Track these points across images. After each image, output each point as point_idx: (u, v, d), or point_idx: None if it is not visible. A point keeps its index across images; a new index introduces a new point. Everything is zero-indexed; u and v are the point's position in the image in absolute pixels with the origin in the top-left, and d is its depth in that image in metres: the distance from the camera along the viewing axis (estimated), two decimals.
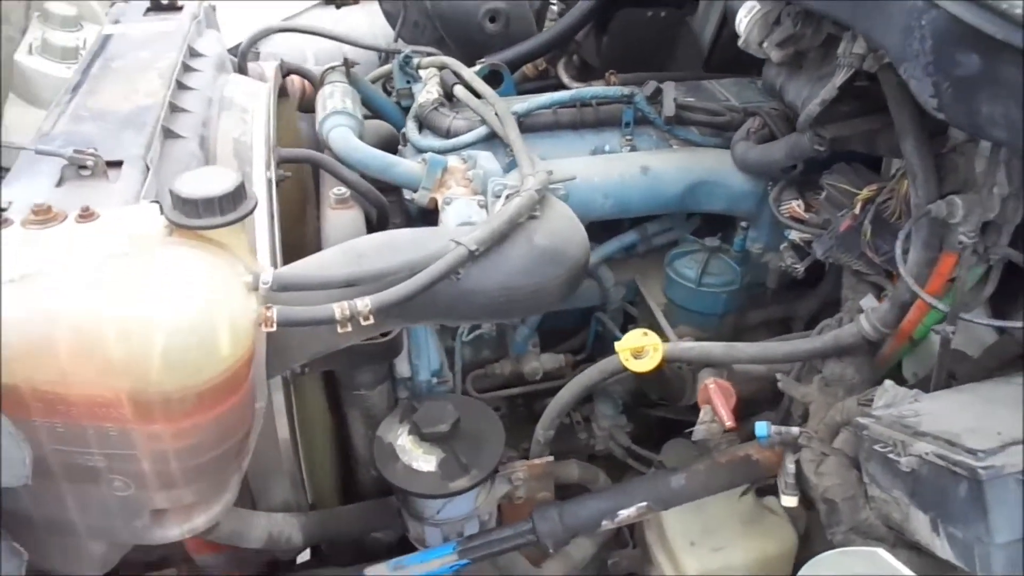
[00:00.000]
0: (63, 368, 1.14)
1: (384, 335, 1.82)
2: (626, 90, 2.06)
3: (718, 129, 2.08)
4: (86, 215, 1.31)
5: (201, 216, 1.24)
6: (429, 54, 2.30)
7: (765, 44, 1.66)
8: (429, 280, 1.36)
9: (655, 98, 2.05)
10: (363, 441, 1.91)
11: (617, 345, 1.56)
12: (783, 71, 1.72)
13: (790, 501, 1.49)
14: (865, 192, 1.64)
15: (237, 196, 1.26)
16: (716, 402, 1.53)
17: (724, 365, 1.74)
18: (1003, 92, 1.04)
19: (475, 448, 1.75)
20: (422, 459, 1.72)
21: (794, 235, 1.90)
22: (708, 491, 1.67)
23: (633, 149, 2.08)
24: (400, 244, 1.46)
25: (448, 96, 2.14)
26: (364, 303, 1.30)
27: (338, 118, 1.92)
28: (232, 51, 2.44)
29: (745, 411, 1.95)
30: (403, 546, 1.91)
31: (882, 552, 1.16)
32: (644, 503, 1.66)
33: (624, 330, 2.20)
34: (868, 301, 1.65)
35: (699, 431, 1.57)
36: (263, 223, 1.72)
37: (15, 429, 1.11)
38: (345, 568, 1.83)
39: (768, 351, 1.69)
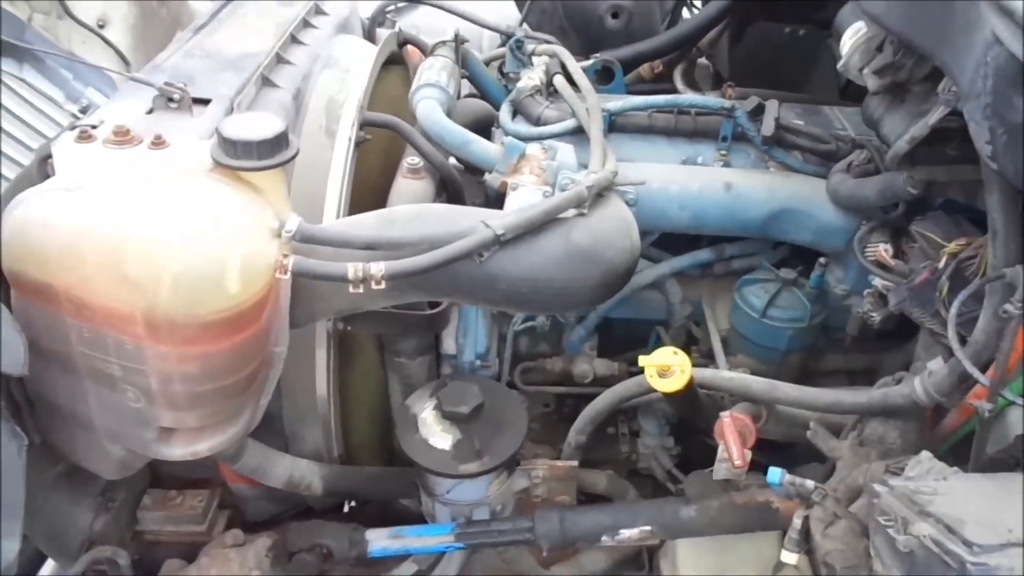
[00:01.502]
0: (88, 276, 1.23)
1: (432, 307, 1.85)
2: (727, 103, 1.97)
3: (821, 157, 1.95)
4: (158, 143, 1.40)
5: (239, 157, 1.30)
6: (545, 41, 2.29)
7: (865, 71, 1.53)
8: (447, 257, 1.36)
9: (757, 114, 1.94)
10: (398, 407, 1.95)
11: (642, 359, 1.50)
12: (883, 103, 1.58)
13: (790, 558, 1.38)
14: (952, 246, 1.49)
15: (277, 143, 1.31)
16: (728, 438, 1.44)
17: (763, 402, 1.63)
18: None
19: (493, 436, 1.74)
20: (439, 436, 1.73)
21: (878, 282, 1.75)
22: (718, 529, 1.58)
23: (726, 166, 1.99)
24: (432, 217, 1.47)
25: (548, 85, 2.12)
26: (379, 267, 1.32)
27: (428, 90, 1.95)
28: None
29: (797, 457, 1.83)
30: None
31: None
32: (648, 527, 1.60)
33: (685, 350, 2.13)
34: (935, 364, 1.50)
35: (719, 469, 1.49)
36: (336, 180, 1.79)
37: (12, 319, 1.20)
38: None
39: (811, 397, 1.57)
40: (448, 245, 1.37)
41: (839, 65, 1.60)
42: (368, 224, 1.45)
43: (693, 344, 2.10)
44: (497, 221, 1.41)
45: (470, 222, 1.42)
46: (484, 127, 2.14)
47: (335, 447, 1.93)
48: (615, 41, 2.39)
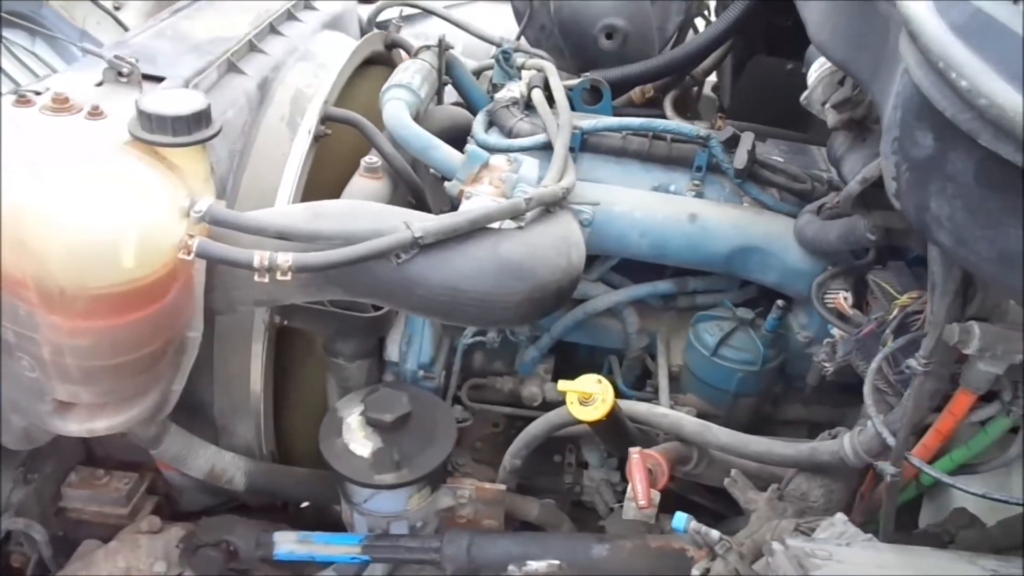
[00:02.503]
0: None
1: (376, 309, 1.80)
2: (703, 131, 1.90)
3: (796, 196, 1.87)
4: (95, 113, 1.38)
5: (154, 132, 1.27)
6: (536, 56, 2.25)
7: (826, 106, 1.45)
8: (360, 255, 1.31)
9: (732, 145, 1.86)
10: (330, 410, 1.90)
11: (561, 384, 1.43)
12: (846, 141, 1.50)
13: None
14: (904, 299, 1.40)
15: (195, 121, 1.28)
16: (634, 475, 1.35)
17: (695, 444, 1.55)
18: (950, 189, 0.82)
19: (417, 449, 1.68)
20: (360, 443, 1.68)
21: (836, 331, 1.66)
22: (628, 570, 1.49)
23: (699, 196, 1.91)
24: (360, 214, 1.43)
25: (528, 98, 2.07)
26: (286, 258, 1.28)
27: (397, 91, 1.91)
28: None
29: None
30: None
31: None
32: (557, 561, 1.52)
33: (639, 383, 2.05)
34: (880, 422, 1.41)
35: (628, 508, 1.40)
36: (291, 172, 1.76)
37: None
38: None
39: (742, 443, 1.49)
40: (363, 243, 1.32)
41: (802, 98, 1.53)
42: (292, 215, 1.41)
43: (648, 378, 2.01)
44: (419, 224, 1.36)
45: (396, 222, 1.37)
46: (461, 135, 2.10)
47: (264, 443, 1.89)
48: (609, 62, 2.33)
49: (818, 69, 1.47)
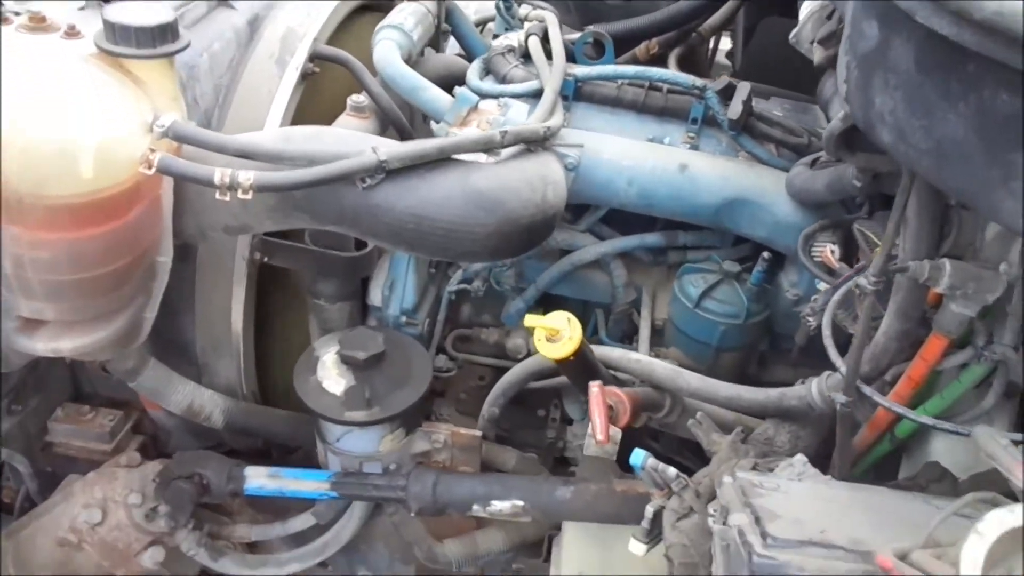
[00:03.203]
0: None
1: (359, 249, 1.79)
2: (700, 82, 1.85)
3: (792, 151, 1.81)
4: (71, 33, 1.38)
5: (118, 43, 1.26)
6: (539, 7, 2.21)
7: (814, 42, 1.40)
8: (323, 176, 1.29)
9: (728, 96, 1.81)
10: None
11: (528, 319, 1.40)
12: (834, 83, 1.44)
13: (637, 548, 1.26)
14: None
15: (161, 34, 1.27)
16: (593, 409, 1.32)
17: (666, 389, 1.51)
18: (892, 80, 0.78)
19: (390, 389, 1.66)
20: (333, 380, 1.66)
21: (823, 285, 1.61)
22: (592, 515, 1.47)
23: (694, 149, 1.86)
24: (328, 137, 1.41)
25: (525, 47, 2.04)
26: (247, 176, 1.27)
27: (389, 31, 1.89)
28: None
29: None
30: None
31: None
32: (521, 502, 1.49)
33: (626, 340, 2.02)
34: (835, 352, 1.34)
35: (588, 444, 1.37)
36: (278, 109, 1.76)
37: None
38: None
39: (712, 388, 1.45)
40: (327, 164, 1.30)
41: (791, 36, 1.48)
42: (268, 138, 1.40)
43: (635, 334, 1.97)
44: (385, 148, 1.33)
45: (363, 147, 1.35)
46: (456, 83, 2.07)
47: (245, 383, 1.89)
48: (614, 17, 2.29)
49: (808, 6, 1.41)
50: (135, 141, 1.26)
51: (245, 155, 1.31)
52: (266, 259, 1.77)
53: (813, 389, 1.30)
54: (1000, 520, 0.66)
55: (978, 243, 1.12)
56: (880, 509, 0.96)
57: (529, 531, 1.86)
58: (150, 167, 1.26)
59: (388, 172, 1.34)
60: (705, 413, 1.40)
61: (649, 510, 1.22)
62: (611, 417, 1.35)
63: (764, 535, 0.87)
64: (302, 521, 1.91)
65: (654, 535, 1.24)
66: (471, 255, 1.43)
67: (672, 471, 1.23)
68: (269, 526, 1.91)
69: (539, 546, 1.88)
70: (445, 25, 2.20)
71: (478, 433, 1.76)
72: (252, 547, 2.00)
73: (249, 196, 1.27)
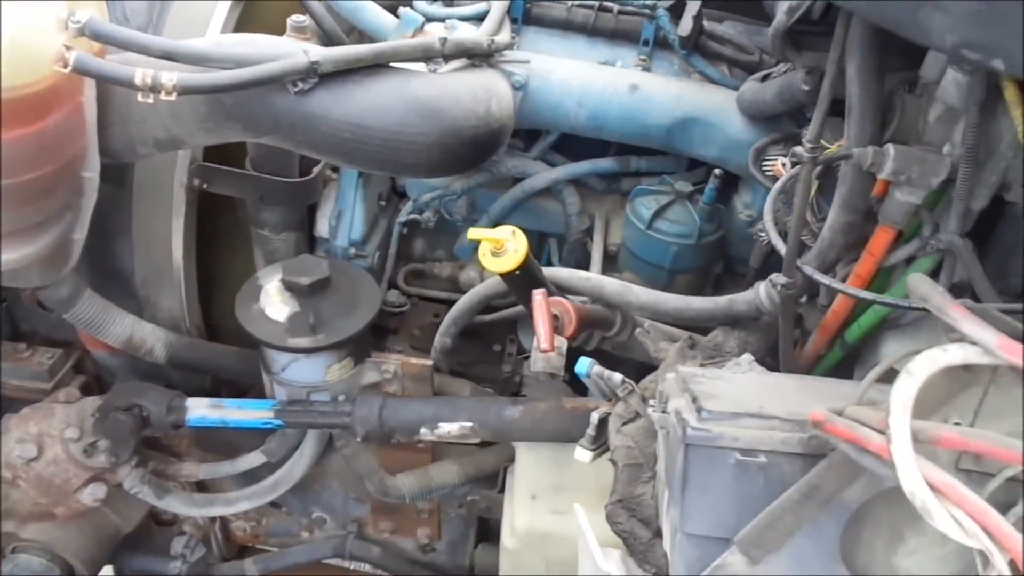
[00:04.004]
0: None
1: (304, 176, 1.74)
2: (650, 1, 1.81)
3: (744, 69, 1.78)
4: None
5: None
6: None
7: None
8: (251, 77, 1.24)
9: (679, 14, 1.77)
10: None
11: (472, 231, 1.36)
12: None
13: (583, 455, 1.23)
14: (833, 147, 1.32)
15: None
16: (537, 317, 1.29)
17: (616, 305, 1.48)
18: None
19: (335, 316, 1.62)
20: (276, 307, 1.62)
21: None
22: (542, 433, 1.45)
23: (646, 71, 1.83)
24: (260, 43, 1.35)
25: None
26: (170, 76, 1.20)
27: None
28: None
29: None
30: None
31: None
32: (469, 423, 1.46)
33: (580, 267, 1.98)
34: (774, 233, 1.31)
35: (536, 359, 1.34)
36: (214, 30, 1.69)
37: None
38: None
39: (661, 301, 1.43)
40: (256, 65, 1.24)
41: None
42: (187, 41, 1.33)
43: (589, 261, 1.94)
44: (318, 51, 1.28)
45: (295, 51, 1.29)
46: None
47: (188, 316, 1.83)
48: None
49: None
50: (48, 38, 1.19)
51: (170, 57, 1.25)
52: (205, 186, 1.71)
53: (761, 292, 1.27)
54: (932, 359, 0.64)
55: (921, 126, 1.10)
56: (821, 391, 0.94)
57: (484, 462, 1.84)
58: (66, 65, 1.19)
59: (322, 77, 1.29)
60: (655, 325, 1.37)
61: (595, 416, 1.20)
62: (556, 327, 1.31)
63: (699, 410, 0.84)
64: (252, 459, 1.87)
65: (600, 442, 1.21)
66: (412, 168, 1.38)
67: (618, 377, 1.20)
68: (218, 464, 1.87)
69: (494, 478, 1.86)
70: None
71: (429, 362, 1.72)
72: (201, 487, 1.95)
73: (173, 97, 1.21)
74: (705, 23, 1.82)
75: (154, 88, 1.20)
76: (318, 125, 1.32)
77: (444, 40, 1.40)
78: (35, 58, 1.18)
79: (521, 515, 1.56)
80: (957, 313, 0.66)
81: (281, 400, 1.63)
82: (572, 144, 1.90)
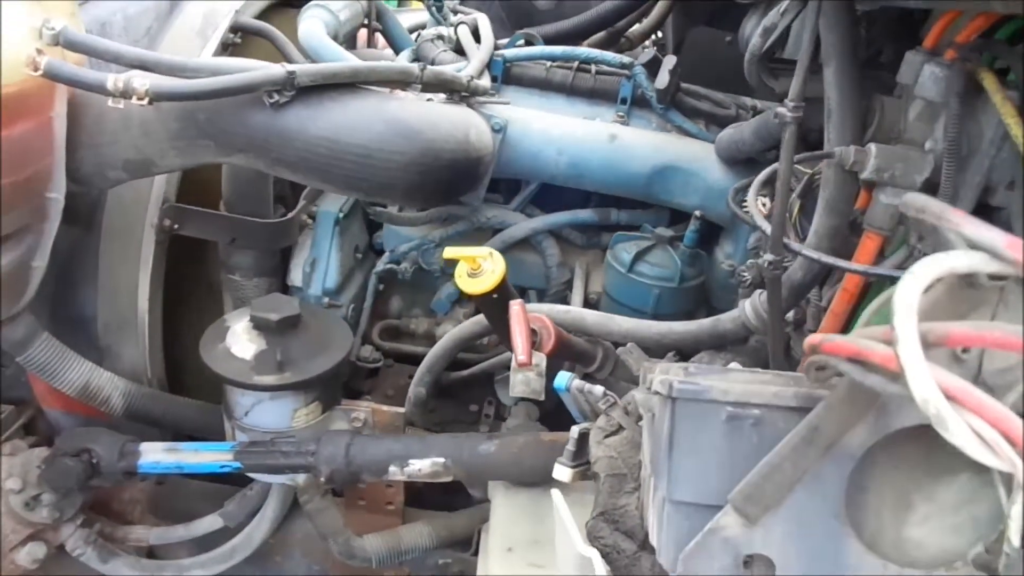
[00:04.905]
0: None
1: (282, 217, 1.71)
2: (627, 59, 1.85)
3: (721, 125, 1.80)
4: None
5: None
6: (471, 13, 2.23)
7: None
8: (227, 85, 1.23)
9: (654, 69, 1.81)
10: None
11: (447, 250, 1.31)
12: (753, 14, 1.44)
13: (562, 473, 1.14)
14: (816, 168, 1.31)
15: None
16: (514, 326, 1.22)
17: (598, 335, 1.43)
18: None
19: (304, 355, 1.54)
20: (243, 345, 1.54)
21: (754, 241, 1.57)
22: (519, 470, 1.35)
23: None
24: (235, 61, 1.34)
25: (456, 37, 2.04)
26: (143, 81, 1.19)
27: (316, 10, 1.87)
28: None
29: None
30: None
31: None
32: (441, 459, 1.37)
33: None
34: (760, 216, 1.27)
35: (515, 382, 1.26)
36: None
37: None
38: None
39: (644, 328, 1.38)
40: (232, 74, 1.23)
41: None
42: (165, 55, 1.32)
43: None
44: (295, 65, 1.28)
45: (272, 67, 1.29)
46: None
47: (151, 367, 1.75)
48: (545, 21, 2.31)
49: None
50: (22, 44, 1.18)
51: (143, 66, 1.24)
52: (176, 227, 1.67)
53: (747, 308, 1.23)
54: (936, 261, 0.59)
55: (902, 126, 1.09)
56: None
57: (457, 525, 1.72)
58: (36, 69, 1.17)
59: (299, 91, 1.28)
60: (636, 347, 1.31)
61: (575, 430, 1.12)
62: (535, 343, 1.25)
63: (686, 371, 0.77)
64: (208, 523, 1.75)
65: (580, 459, 1.12)
66: (389, 189, 1.35)
67: (599, 389, 1.13)
68: (171, 528, 1.74)
69: (468, 542, 1.74)
70: (376, 24, 2.19)
71: (401, 410, 1.64)
72: (151, 555, 1.80)
73: (145, 102, 1.19)
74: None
75: (126, 93, 1.19)
76: (293, 141, 1.30)
77: (423, 66, 1.40)
78: (6, 61, 1.16)
79: (496, 569, 1.43)
80: (958, 217, 0.62)
81: (241, 441, 1.52)
82: (552, 198, 1.90)
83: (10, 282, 1.40)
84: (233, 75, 1.23)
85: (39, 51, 1.19)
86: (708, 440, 0.74)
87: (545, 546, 1.45)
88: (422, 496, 1.84)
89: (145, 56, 1.25)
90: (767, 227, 1.04)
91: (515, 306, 1.23)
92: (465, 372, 1.85)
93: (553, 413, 1.59)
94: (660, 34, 2.55)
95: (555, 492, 0.90)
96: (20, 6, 1.21)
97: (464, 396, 1.95)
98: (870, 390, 0.61)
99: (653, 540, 0.81)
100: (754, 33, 1.33)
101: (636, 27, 2.34)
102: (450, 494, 1.80)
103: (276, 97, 1.26)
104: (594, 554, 0.76)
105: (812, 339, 0.68)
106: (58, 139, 1.31)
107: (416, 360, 1.98)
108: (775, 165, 1.14)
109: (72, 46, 1.22)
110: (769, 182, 1.58)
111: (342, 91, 1.32)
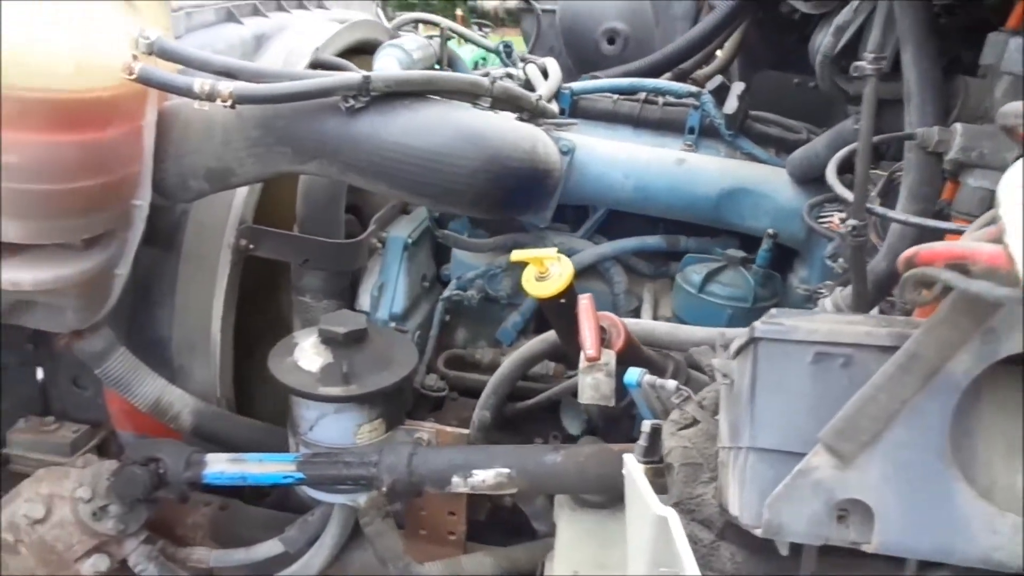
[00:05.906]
0: None
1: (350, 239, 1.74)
2: (695, 89, 1.86)
3: (791, 151, 1.79)
4: None
5: None
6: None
7: None
8: (305, 88, 1.27)
9: (722, 95, 1.82)
10: None
11: (515, 253, 1.30)
12: (824, 34, 1.44)
13: (633, 467, 1.08)
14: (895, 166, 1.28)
15: None
16: (582, 319, 1.19)
17: (666, 345, 1.39)
18: None
19: (369, 369, 1.54)
20: (310, 358, 1.55)
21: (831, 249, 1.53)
22: (586, 482, 1.30)
23: None
24: (314, 71, 1.39)
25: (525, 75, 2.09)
26: (227, 85, 1.25)
27: (391, 49, 1.95)
28: None
29: None
30: None
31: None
32: (506, 469, 1.33)
33: None
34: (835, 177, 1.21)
35: (583, 388, 1.22)
36: None
37: None
38: None
39: (712, 336, 1.33)
40: (310, 79, 1.28)
41: None
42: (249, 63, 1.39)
43: None
44: (372, 72, 1.32)
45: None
46: None
47: (220, 386, 1.77)
48: (611, 66, 2.35)
49: None
50: (119, 50, 1.25)
51: (229, 73, 1.30)
52: (252, 247, 1.71)
53: (828, 304, 1.18)
54: None
55: (988, 105, 1.05)
56: None
57: (519, 557, 1.66)
58: (131, 73, 1.24)
59: (373, 97, 1.32)
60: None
61: (646, 424, 1.07)
62: (604, 341, 1.22)
63: (768, 313, 0.74)
64: (268, 548, 1.72)
65: (652, 454, 1.07)
66: (456, 196, 1.36)
67: (672, 383, 1.09)
68: (231, 551, 1.72)
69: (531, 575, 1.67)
70: (447, 69, 2.27)
71: (465, 431, 1.61)
72: None
73: (229, 104, 1.24)
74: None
75: (211, 96, 1.24)
76: (365, 145, 1.33)
77: (494, 80, 1.43)
78: (102, 65, 1.23)
79: None
80: None
81: (305, 452, 1.51)
82: (619, 227, 1.89)
83: (91, 288, 1.44)
84: (311, 80, 1.28)
85: (135, 57, 1.25)
86: (794, 383, 0.69)
87: (611, 571, 1.38)
88: (484, 532, 1.79)
89: (230, 63, 1.31)
90: (848, 195, 1.01)
91: (584, 300, 1.21)
92: (530, 401, 1.82)
93: None
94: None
95: (627, 456, 0.86)
96: (119, 16, 1.29)
97: (528, 428, 1.91)
98: (975, 303, 0.56)
99: (734, 508, 0.76)
100: (822, 33, 1.32)
101: (701, 70, 2.36)
102: (512, 531, 1.76)
103: (352, 102, 1.30)
104: (671, 513, 0.71)
105: (907, 252, 0.64)
106: (147, 147, 1.37)
107: (480, 393, 1.97)
108: (853, 144, 1.11)
109: (165, 54, 1.28)
110: (847, 164, 1.54)
111: (415, 99, 1.36)
